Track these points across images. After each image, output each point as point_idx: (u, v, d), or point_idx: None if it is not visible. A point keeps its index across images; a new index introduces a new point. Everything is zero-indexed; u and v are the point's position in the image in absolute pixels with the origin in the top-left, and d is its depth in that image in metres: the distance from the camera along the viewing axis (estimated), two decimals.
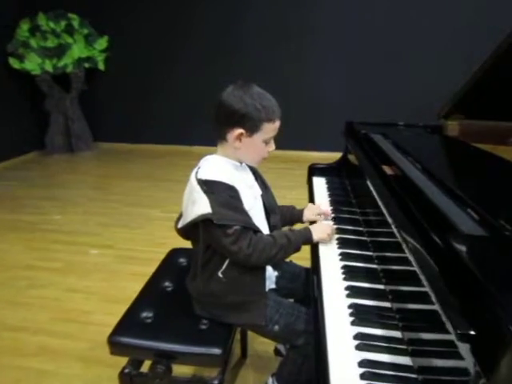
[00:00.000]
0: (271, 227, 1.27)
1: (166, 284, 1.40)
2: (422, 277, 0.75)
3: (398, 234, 0.92)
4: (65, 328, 1.92)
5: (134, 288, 1.39)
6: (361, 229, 1.32)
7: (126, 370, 1.19)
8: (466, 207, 0.84)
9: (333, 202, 1.58)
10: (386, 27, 4.18)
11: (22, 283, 2.30)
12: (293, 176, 3.88)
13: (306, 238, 1.20)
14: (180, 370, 1.27)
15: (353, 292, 0.99)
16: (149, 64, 4.88)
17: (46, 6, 4.44)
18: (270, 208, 1.29)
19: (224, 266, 1.14)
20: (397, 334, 0.84)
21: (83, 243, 2.75)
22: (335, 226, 1.31)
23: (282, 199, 1.45)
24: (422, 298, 0.75)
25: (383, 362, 0.77)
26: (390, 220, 0.99)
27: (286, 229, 1.24)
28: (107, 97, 5.12)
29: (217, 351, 1.11)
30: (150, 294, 1.36)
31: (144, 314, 1.23)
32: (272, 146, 1.17)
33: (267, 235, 1.15)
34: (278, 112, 1.12)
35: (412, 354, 0.77)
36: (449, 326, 0.58)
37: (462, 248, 0.69)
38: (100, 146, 5.26)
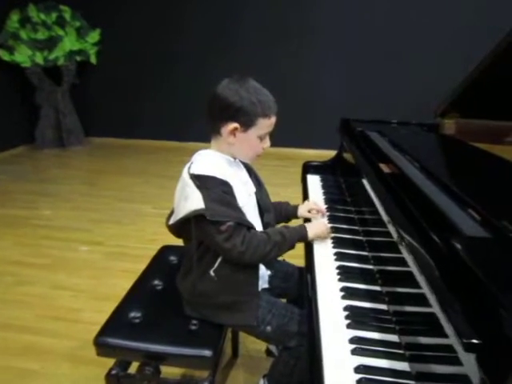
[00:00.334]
0: (264, 225, 1.24)
1: (156, 282, 1.36)
2: (419, 279, 0.73)
3: (395, 235, 0.89)
4: (52, 326, 1.87)
5: (124, 285, 1.36)
6: (356, 228, 1.29)
7: (113, 372, 1.15)
8: (466, 207, 0.81)
9: (327, 200, 1.55)
10: (386, 26, 4.17)
11: (8, 279, 2.24)
12: (287, 173, 3.86)
13: (301, 236, 1.17)
14: (169, 370, 1.23)
15: (348, 293, 0.96)
16: (142, 58, 4.82)
17: None
18: (263, 206, 1.26)
19: (216, 264, 1.11)
20: (394, 337, 0.81)
21: (73, 239, 2.70)
22: (330, 225, 1.28)
23: (276, 197, 1.42)
24: (420, 300, 0.72)
25: (380, 368, 0.74)
26: (387, 219, 0.96)
27: (280, 226, 1.21)
28: (99, 91, 5.05)
29: (207, 353, 1.08)
30: (138, 292, 1.32)
31: (132, 314, 1.19)
32: (267, 143, 1.13)
33: (261, 232, 1.12)
34: (274, 108, 1.09)
35: (410, 360, 0.75)
36: (453, 335, 0.55)
37: (465, 250, 0.66)
38: (92, 141, 5.19)
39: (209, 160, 1.11)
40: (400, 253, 0.85)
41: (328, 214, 1.41)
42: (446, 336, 0.61)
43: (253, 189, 1.23)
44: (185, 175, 1.08)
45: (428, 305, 0.68)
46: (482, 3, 3.86)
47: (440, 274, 0.66)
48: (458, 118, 1.67)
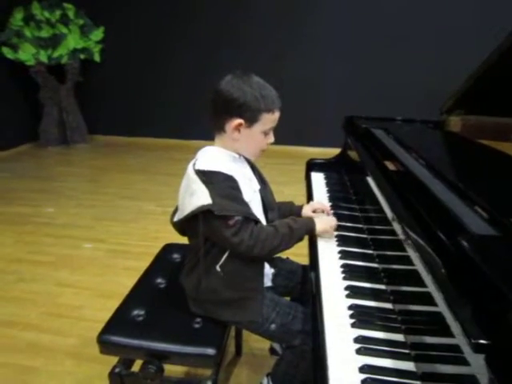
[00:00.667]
0: (269, 223, 1.23)
1: (159, 280, 1.35)
2: (425, 277, 0.71)
3: (401, 233, 0.88)
4: (55, 324, 1.88)
5: (127, 283, 1.35)
6: (361, 226, 1.28)
7: (117, 370, 1.14)
8: (473, 205, 0.80)
9: (331, 198, 1.54)
10: (391, 23, 4.14)
11: (11, 277, 2.25)
12: (291, 171, 3.84)
13: (309, 228, 1.16)
14: (172, 368, 1.23)
15: (353, 292, 0.95)
16: (146, 56, 4.81)
17: None
18: (268, 204, 1.25)
19: (222, 260, 1.10)
20: (399, 337, 0.80)
21: (76, 237, 2.70)
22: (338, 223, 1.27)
23: (280, 195, 1.41)
24: (425, 299, 0.71)
25: (385, 368, 0.73)
26: (393, 217, 0.95)
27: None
28: (103, 89, 5.05)
29: (210, 351, 1.07)
30: (141, 291, 1.31)
31: (135, 312, 1.19)
32: (271, 138, 1.13)
33: (269, 225, 1.12)
34: (277, 103, 1.08)
35: (416, 360, 0.73)
36: (460, 335, 0.54)
37: (473, 248, 0.65)
38: (95, 139, 5.20)
39: (213, 156, 1.10)
40: (405, 251, 0.84)
41: (332, 212, 1.40)
42: (452, 336, 0.60)
43: (257, 186, 1.22)
44: (190, 172, 1.07)
45: (434, 304, 0.67)
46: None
47: (447, 273, 0.65)
48: (464, 114, 1.65)
